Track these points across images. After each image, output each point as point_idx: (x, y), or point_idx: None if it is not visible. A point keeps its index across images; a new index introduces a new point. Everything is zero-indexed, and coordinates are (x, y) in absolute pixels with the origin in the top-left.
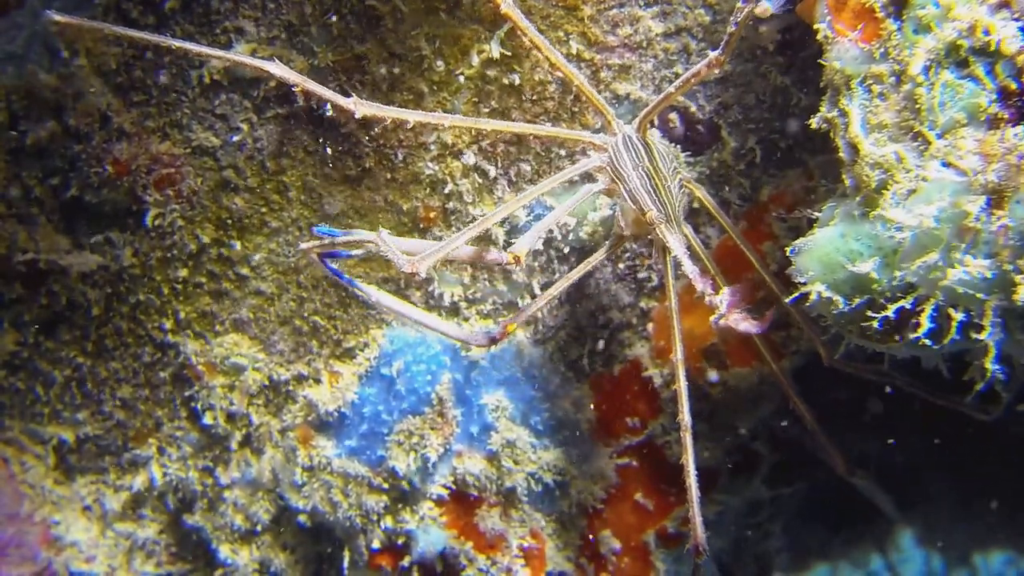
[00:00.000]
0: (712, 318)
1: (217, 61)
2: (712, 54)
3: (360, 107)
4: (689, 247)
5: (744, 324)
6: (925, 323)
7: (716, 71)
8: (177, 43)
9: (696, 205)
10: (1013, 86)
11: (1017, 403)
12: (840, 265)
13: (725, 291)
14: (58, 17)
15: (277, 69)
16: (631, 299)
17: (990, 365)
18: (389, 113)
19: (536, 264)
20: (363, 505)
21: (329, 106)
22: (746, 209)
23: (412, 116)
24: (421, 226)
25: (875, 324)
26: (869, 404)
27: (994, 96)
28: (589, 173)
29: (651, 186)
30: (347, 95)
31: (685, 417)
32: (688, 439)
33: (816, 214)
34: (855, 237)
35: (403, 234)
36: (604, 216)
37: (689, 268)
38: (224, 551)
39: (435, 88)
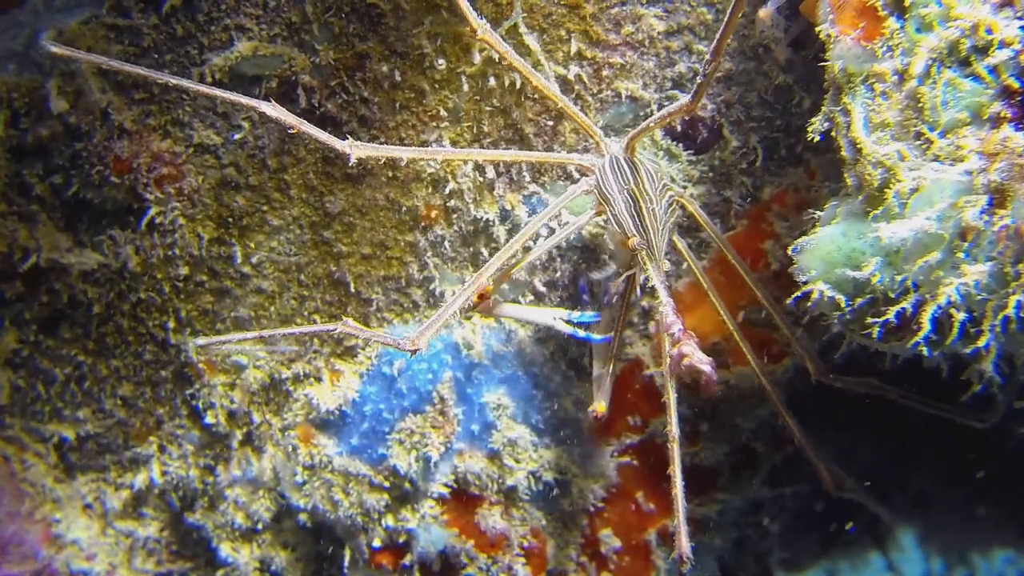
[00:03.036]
0: (673, 351)
1: (219, 60)
2: (683, 100)
3: (355, 149)
4: (680, 260)
5: (704, 366)
6: (926, 323)
7: (686, 116)
8: (174, 80)
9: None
10: (1015, 85)
11: (1017, 403)
12: (842, 264)
13: (689, 336)
14: (55, 49)
15: (272, 111)
16: (632, 297)
17: (989, 366)
18: (384, 153)
19: (537, 262)
20: (364, 503)
21: (330, 107)
22: (748, 208)
23: (405, 153)
24: (423, 224)
25: (877, 324)
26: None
27: (996, 95)
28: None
29: (635, 210)
30: (348, 93)
31: (673, 429)
32: (676, 450)
33: (818, 213)
34: (857, 236)
35: (404, 232)
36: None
37: (663, 298)
38: (225, 549)
39: (437, 86)
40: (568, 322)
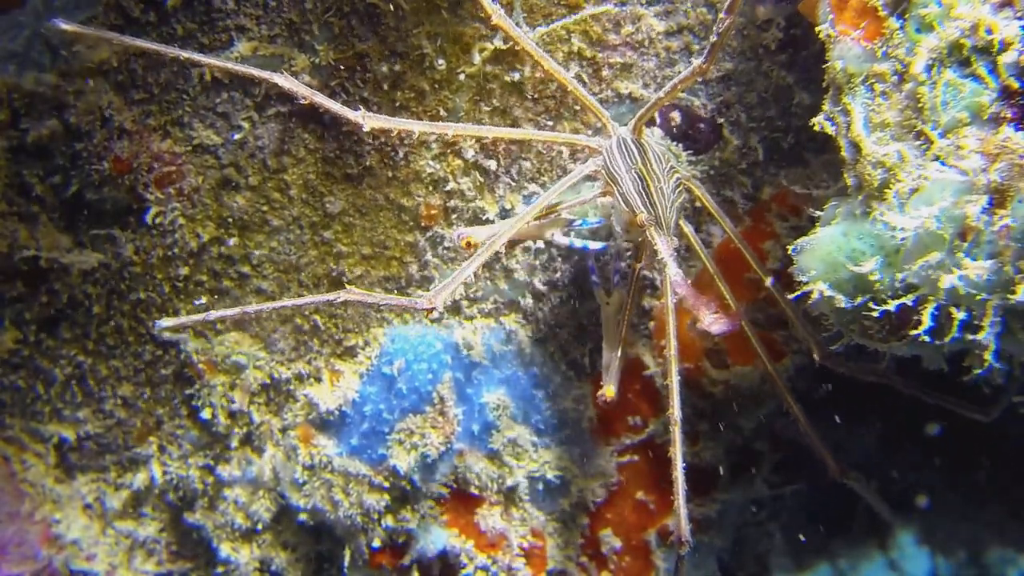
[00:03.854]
0: (688, 322)
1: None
2: (696, 62)
3: (368, 120)
4: (688, 246)
5: (717, 326)
6: (926, 322)
7: (700, 79)
8: (185, 54)
9: (697, 204)
10: (1016, 85)
11: (1017, 404)
12: (842, 264)
13: (701, 299)
14: (65, 25)
15: (285, 82)
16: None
17: (989, 357)
18: (396, 125)
19: (537, 263)
20: (364, 504)
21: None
22: (748, 208)
23: (417, 127)
24: (422, 224)
25: (876, 323)
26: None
27: (996, 95)
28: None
29: (643, 188)
30: (348, 93)
31: (676, 412)
32: (677, 433)
33: (818, 213)
34: (857, 236)
35: (404, 232)
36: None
37: (672, 271)
38: (225, 549)
39: (436, 87)
40: (572, 231)
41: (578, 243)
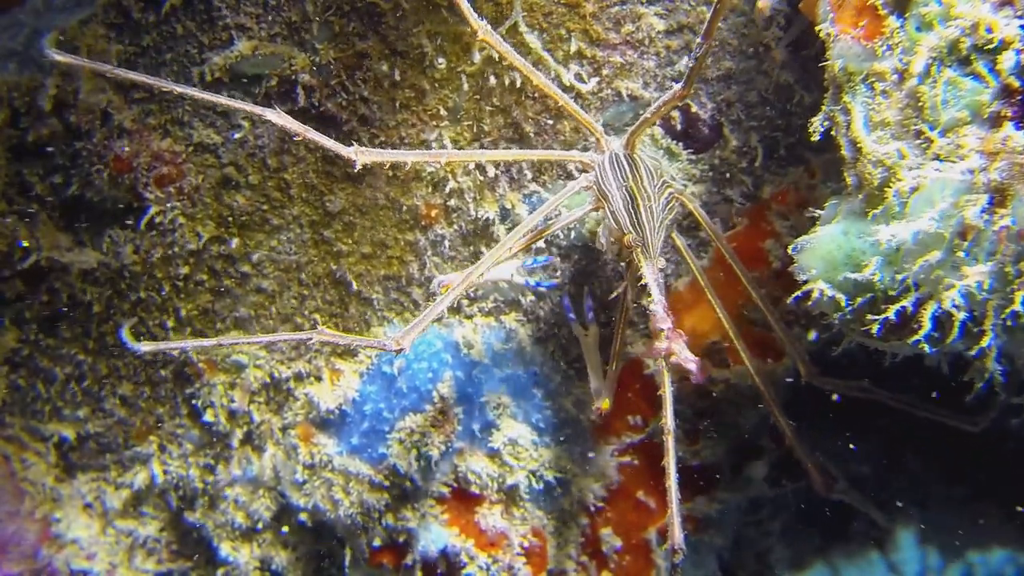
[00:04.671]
0: (658, 346)
1: (219, 59)
2: (676, 87)
3: (361, 155)
4: (680, 257)
5: (690, 364)
6: (927, 322)
7: (680, 103)
8: (179, 88)
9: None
10: (1016, 84)
11: (1016, 408)
12: (842, 263)
13: (678, 336)
14: (58, 57)
15: (277, 118)
16: (630, 296)
17: (991, 364)
18: (388, 158)
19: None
20: (364, 503)
21: (330, 106)
22: (748, 207)
23: (410, 157)
24: (423, 223)
25: (876, 323)
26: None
27: (996, 94)
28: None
29: (632, 207)
30: (348, 92)
31: (668, 422)
32: (670, 443)
33: (818, 212)
34: (857, 235)
35: (404, 231)
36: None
37: (656, 297)
38: (225, 548)
39: (437, 85)
40: (524, 270)
41: (532, 280)
